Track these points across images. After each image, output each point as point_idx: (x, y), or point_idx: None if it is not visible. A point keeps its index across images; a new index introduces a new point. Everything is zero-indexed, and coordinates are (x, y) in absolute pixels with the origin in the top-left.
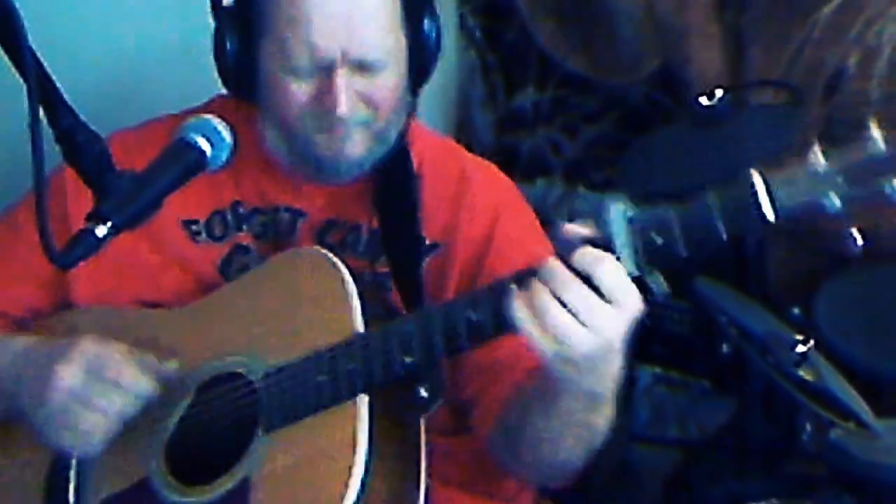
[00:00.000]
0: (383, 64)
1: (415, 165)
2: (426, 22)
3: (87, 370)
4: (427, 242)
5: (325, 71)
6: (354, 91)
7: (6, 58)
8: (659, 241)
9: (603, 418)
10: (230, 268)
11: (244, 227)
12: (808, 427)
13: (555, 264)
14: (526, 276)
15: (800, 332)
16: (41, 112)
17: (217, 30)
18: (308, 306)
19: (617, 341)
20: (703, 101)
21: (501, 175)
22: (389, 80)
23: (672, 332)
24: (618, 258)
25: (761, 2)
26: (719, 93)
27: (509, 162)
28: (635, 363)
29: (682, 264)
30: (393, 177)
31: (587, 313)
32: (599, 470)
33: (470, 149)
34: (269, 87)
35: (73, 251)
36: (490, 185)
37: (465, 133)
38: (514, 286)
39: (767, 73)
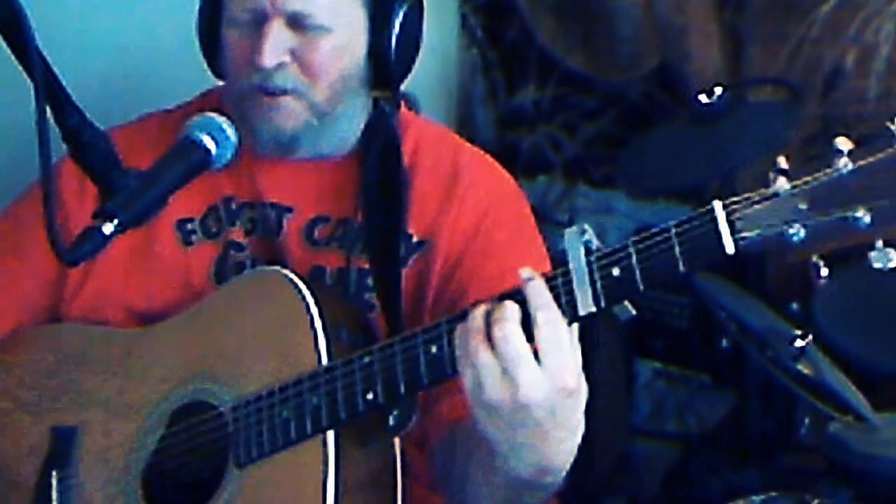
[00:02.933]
0: (324, 26)
1: (408, 155)
2: (396, 7)
3: None
4: (414, 240)
5: (261, 21)
6: (287, 48)
7: (13, 57)
8: (616, 273)
9: (536, 498)
10: (225, 266)
11: (237, 222)
12: (807, 420)
13: (506, 307)
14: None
15: (798, 327)
16: (48, 111)
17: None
18: (274, 332)
19: (536, 409)
20: (702, 98)
21: (498, 170)
22: (330, 47)
23: (671, 327)
24: (574, 300)
25: (760, 1)
26: (718, 90)
27: (510, 159)
28: (635, 358)
29: (640, 297)
30: (381, 167)
31: (510, 364)
32: (600, 463)
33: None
34: (222, 50)
35: (80, 248)
36: (484, 181)
37: (465, 130)
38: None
39: (766, 71)
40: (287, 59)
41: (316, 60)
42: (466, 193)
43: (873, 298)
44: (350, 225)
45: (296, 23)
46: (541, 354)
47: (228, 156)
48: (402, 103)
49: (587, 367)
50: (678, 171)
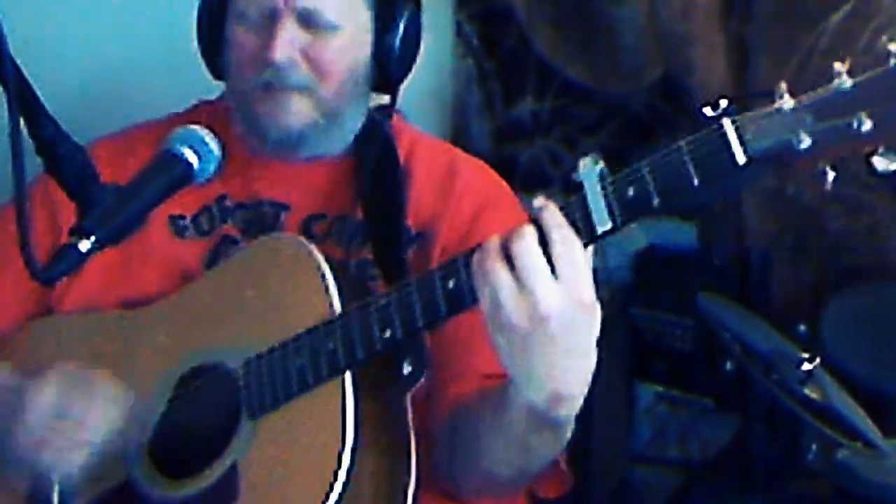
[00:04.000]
0: (334, 24)
1: (402, 157)
2: (399, 8)
3: (65, 384)
4: (413, 232)
5: (272, 19)
6: (298, 45)
7: None
8: (631, 192)
9: (546, 446)
10: (217, 260)
11: (230, 220)
12: (814, 447)
13: (522, 228)
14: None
15: (805, 350)
16: (22, 122)
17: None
18: (285, 294)
19: (553, 323)
20: (707, 111)
21: (494, 175)
22: (339, 45)
23: (674, 349)
24: (591, 217)
25: (767, 9)
26: (724, 102)
27: (507, 173)
28: (636, 381)
29: (656, 212)
30: (378, 164)
31: (528, 277)
32: (599, 490)
33: None
34: (227, 48)
35: (55, 266)
36: (480, 178)
37: (461, 142)
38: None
39: (773, 83)
40: (298, 56)
41: (326, 58)
42: (464, 189)
43: (883, 320)
44: (347, 221)
45: (306, 20)
46: (557, 270)
47: (212, 170)
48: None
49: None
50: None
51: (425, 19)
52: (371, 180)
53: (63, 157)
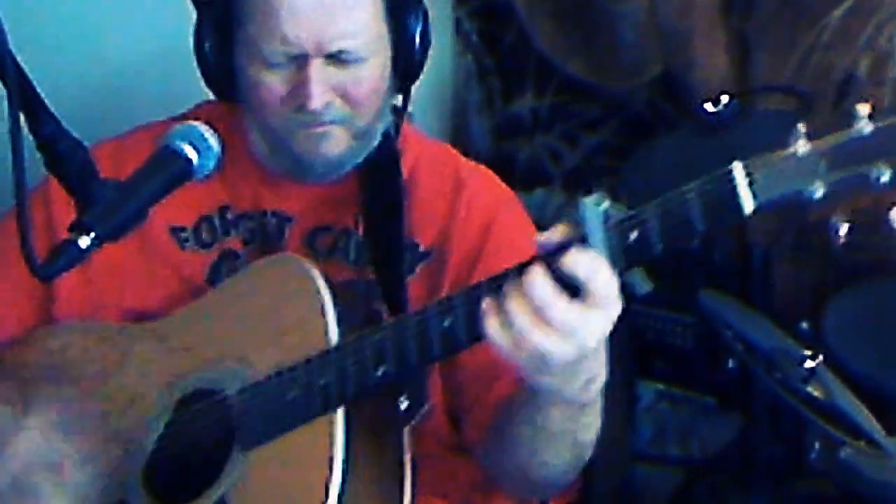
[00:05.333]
0: (362, 57)
1: (408, 171)
2: (412, 14)
3: (29, 461)
4: (420, 249)
5: (300, 62)
6: (331, 85)
7: None
8: (634, 236)
9: (588, 429)
10: (219, 275)
11: (232, 232)
12: (817, 445)
13: (536, 276)
14: (501, 282)
15: (808, 348)
16: (22, 119)
17: (196, 29)
18: (283, 318)
19: (596, 343)
20: (708, 107)
21: (499, 181)
22: (370, 75)
23: (675, 347)
24: None
25: (768, 5)
26: (725, 99)
27: (507, 170)
28: (637, 380)
29: (657, 259)
30: (380, 180)
31: (569, 327)
32: (599, 489)
33: (466, 156)
34: (247, 83)
35: (55, 263)
36: (486, 190)
37: (461, 140)
38: (487, 297)
39: (774, 79)
40: (332, 95)
41: (360, 92)
42: (471, 202)
43: (886, 317)
44: (351, 236)
45: (335, 59)
46: (598, 302)
47: (211, 166)
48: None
49: None
50: (683, 183)
51: None
52: (373, 196)
53: (63, 154)
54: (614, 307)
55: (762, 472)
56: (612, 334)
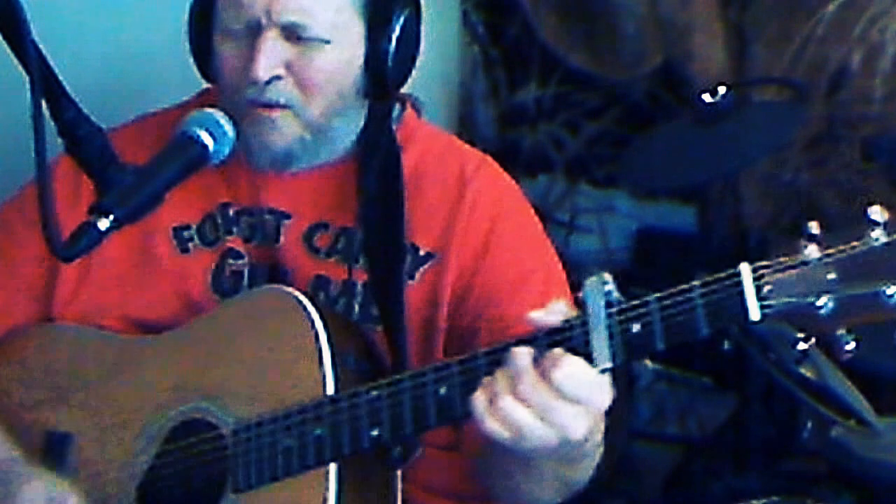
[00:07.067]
0: (320, 39)
1: (413, 165)
2: (393, 15)
3: None
4: (422, 252)
5: (255, 33)
6: (281, 60)
7: (9, 51)
8: (636, 328)
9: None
10: (222, 274)
11: (234, 229)
12: (809, 424)
13: (520, 361)
14: (498, 354)
15: (801, 330)
16: (44, 105)
17: (189, 8)
18: (280, 356)
19: (578, 435)
20: (706, 97)
21: (503, 176)
22: (326, 61)
23: None
24: (591, 355)
25: None
26: (722, 89)
27: (511, 158)
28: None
29: (657, 355)
30: (380, 176)
31: (545, 412)
32: (599, 466)
33: (471, 144)
34: (215, 59)
35: (75, 244)
36: (490, 189)
37: (466, 128)
38: (484, 369)
39: (770, 70)
40: (282, 71)
41: (312, 75)
42: (474, 204)
43: None
44: (351, 235)
45: (292, 34)
46: (573, 399)
47: (226, 151)
48: (409, 105)
49: None
50: (681, 170)
51: (431, 8)
52: (371, 195)
53: (83, 139)
54: (596, 404)
55: (757, 449)
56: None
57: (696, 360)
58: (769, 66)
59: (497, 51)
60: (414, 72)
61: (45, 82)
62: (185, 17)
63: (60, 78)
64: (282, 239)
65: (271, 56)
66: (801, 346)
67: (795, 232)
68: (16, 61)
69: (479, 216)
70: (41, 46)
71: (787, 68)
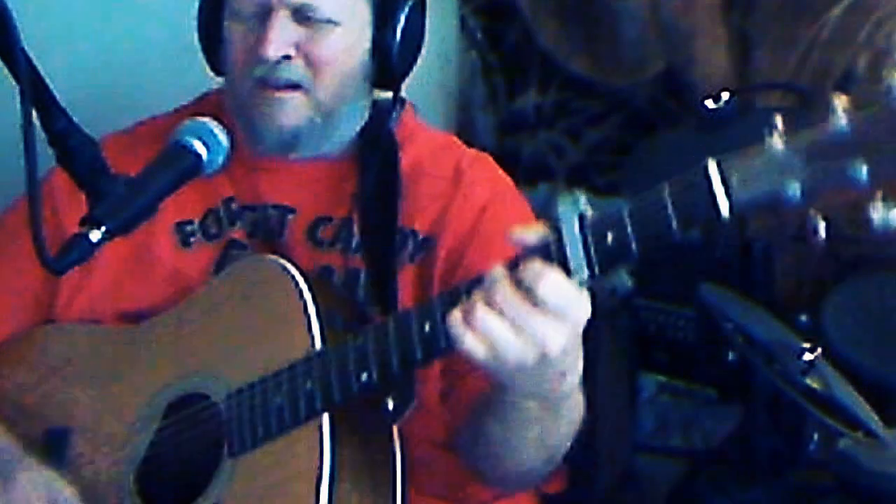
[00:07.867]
0: (331, 20)
1: (412, 162)
2: (402, 6)
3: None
4: (420, 237)
5: (265, 16)
6: (293, 41)
7: None
8: (610, 239)
9: (563, 422)
10: (224, 266)
11: (237, 223)
12: (816, 436)
13: (496, 272)
14: (477, 284)
15: (807, 340)
16: (34, 115)
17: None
18: (267, 321)
19: (556, 350)
20: (709, 104)
21: (500, 171)
22: (336, 42)
23: (676, 340)
24: (568, 267)
25: (769, 3)
26: (725, 96)
27: (511, 166)
28: (639, 372)
29: (634, 264)
30: (378, 168)
31: (521, 322)
32: (602, 480)
33: None
34: (225, 46)
35: (66, 256)
36: (484, 179)
37: (465, 136)
38: (465, 295)
39: (775, 76)
40: (292, 51)
41: (322, 54)
42: (468, 191)
43: (884, 310)
44: (352, 226)
45: (302, 16)
46: (551, 310)
47: (220, 161)
48: (408, 106)
49: (589, 381)
50: None
51: (430, 13)
52: (369, 186)
53: (74, 149)
54: (574, 317)
55: (762, 462)
56: (612, 327)
57: (699, 372)
58: (773, 72)
59: (496, 57)
60: (410, 78)
61: (35, 92)
62: (178, 19)
63: (51, 87)
64: (286, 233)
65: (282, 35)
66: (807, 356)
67: (800, 239)
68: (6, 71)
69: (471, 203)
70: (29, 53)
71: (792, 74)
